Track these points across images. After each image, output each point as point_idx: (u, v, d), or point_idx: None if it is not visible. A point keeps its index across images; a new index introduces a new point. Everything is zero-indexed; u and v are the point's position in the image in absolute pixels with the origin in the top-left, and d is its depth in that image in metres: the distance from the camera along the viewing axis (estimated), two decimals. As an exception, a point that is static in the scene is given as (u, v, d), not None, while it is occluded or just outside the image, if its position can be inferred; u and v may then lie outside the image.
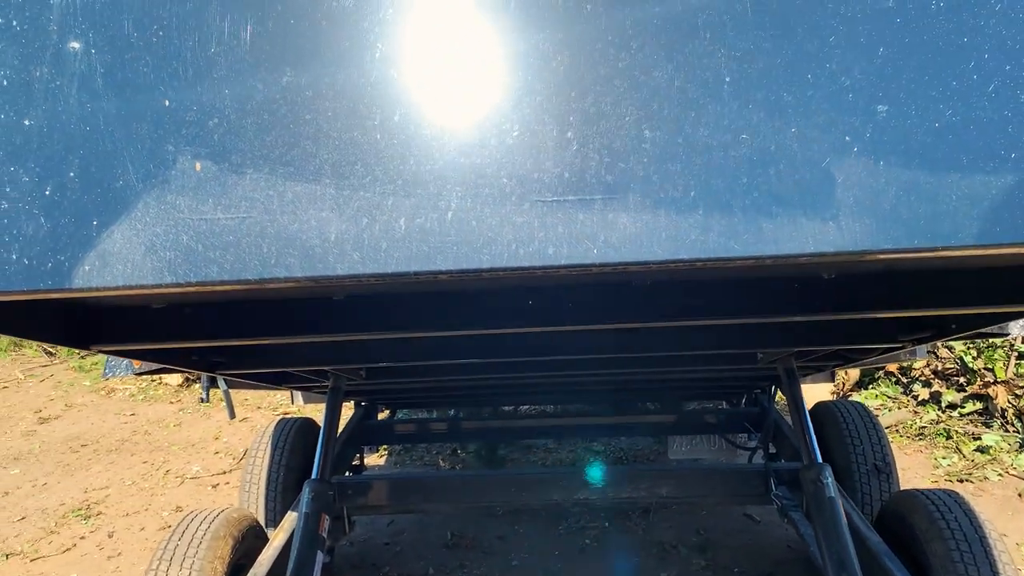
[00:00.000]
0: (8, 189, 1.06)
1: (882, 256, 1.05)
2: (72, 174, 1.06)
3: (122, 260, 1.05)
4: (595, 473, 3.44)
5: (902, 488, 3.41)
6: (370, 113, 1.06)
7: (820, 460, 2.65)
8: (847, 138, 1.05)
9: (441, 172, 1.06)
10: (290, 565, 2.39)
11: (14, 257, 1.06)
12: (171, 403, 8.46)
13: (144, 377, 9.05)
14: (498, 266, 1.06)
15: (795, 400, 2.75)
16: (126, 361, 2.59)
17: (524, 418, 5.45)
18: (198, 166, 1.06)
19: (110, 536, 4.98)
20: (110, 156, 1.07)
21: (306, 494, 2.59)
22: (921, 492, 2.72)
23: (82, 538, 4.98)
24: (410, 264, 1.06)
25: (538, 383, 3.76)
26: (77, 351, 8.81)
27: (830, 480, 2.54)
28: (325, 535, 2.59)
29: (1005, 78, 1.03)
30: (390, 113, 1.07)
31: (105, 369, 2.64)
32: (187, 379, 8.85)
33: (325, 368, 2.61)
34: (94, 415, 8.15)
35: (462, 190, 1.06)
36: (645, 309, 1.80)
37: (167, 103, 1.07)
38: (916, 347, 2.71)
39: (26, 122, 1.05)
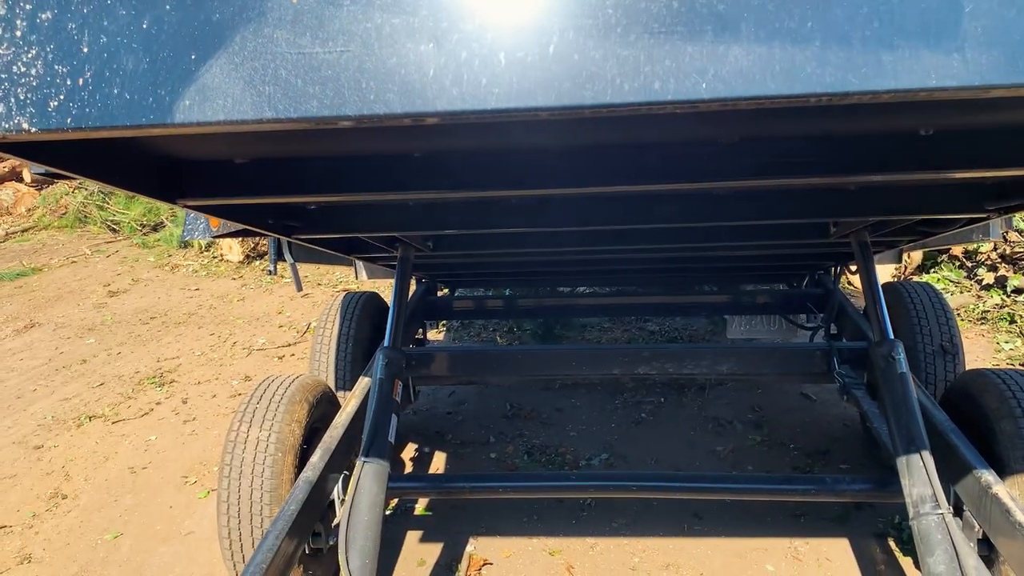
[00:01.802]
0: (106, 23, 1.05)
1: (1005, 93, 0.99)
2: (168, 7, 1.04)
3: (221, 94, 1.05)
4: None
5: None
6: (468, -62, 1.02)
7: (892, 337, 2.61)
8: (978, -38, 0.97)
9: (543, 1, 1.02)
10: (366, 427, 2.47)
11: (116, 92, 1.05)
12: (233, 279, 8.68)
13: (206, 254, 9.28)
14: (601, 102, 1.02)
15: (868, 274, 2.69)
16: (204, 223, 2.64)
17: (580, 296, 5.48)
18: (294, -2, 1.04)
19: (184, 402, 5.23)
20: (205, -13, 1.04)
21: (380, 360, 2.65)
22: (992, 371, 2.68)
23: (158, 403, 5.24)
24: (509, 100, 1.04)
25: (603, 259, 3.75)
26: (140, 229, 8.95)
27: (902, 356, 2.52)
28: (398, 399, 2.67)
29: None
30: (488, -61, 1.02)
31: (183, 231, 2.70)
32: (248, 256, 9.05)
33: (396, 234, 2.62)
34: (160, 289, 8.43)
35: (564, 21, 1.02)
36: (727, 168, 1.76)
37: (260, -70, 1.03)
38: (1000, 218, 2.62)
39: (121, -52, 1.03)
